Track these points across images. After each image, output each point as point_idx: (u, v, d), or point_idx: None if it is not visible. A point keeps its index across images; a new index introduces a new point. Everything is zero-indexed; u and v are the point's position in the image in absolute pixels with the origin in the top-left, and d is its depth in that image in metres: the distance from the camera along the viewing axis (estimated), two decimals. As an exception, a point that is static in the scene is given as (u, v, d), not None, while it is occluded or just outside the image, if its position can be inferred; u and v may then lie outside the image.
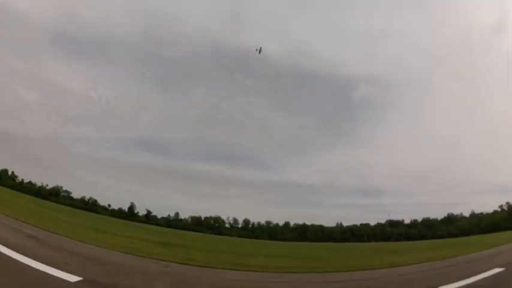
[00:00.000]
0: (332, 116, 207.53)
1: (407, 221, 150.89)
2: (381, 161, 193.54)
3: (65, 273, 6.55)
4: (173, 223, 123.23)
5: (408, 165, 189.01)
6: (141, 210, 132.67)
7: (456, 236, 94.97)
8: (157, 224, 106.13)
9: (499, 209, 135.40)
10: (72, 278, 6.30)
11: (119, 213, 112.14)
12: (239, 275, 9.67)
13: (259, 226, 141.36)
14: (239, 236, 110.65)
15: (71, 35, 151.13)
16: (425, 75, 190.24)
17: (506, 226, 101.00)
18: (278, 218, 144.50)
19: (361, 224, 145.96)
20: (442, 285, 7.55)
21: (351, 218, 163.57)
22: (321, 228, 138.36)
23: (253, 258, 18.82)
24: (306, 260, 20.32)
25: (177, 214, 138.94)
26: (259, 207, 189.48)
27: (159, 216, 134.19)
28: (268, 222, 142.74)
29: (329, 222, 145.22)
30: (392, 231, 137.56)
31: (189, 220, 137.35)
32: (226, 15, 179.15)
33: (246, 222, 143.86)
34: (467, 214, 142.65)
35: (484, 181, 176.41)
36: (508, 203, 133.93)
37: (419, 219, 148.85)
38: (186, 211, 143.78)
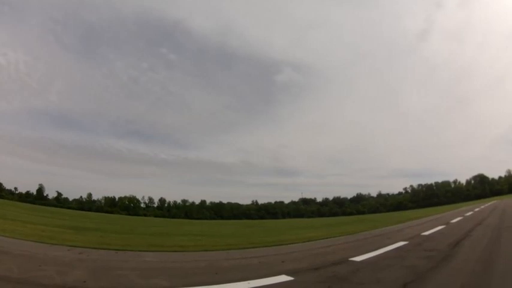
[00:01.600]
0: (254, 97, 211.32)
1: (319, 199, 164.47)
2: (297, 143, 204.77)
3: (-29, 270, 6.07)
4: (86, 205, 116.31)
5: (323, 148, 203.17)
6: (50, 193, 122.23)
7: (364, 213, 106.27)
8: (69, 207, 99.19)
9: (403, 191, 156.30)
10: (-20, 275, 5.83)
11: (26, 197, 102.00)
12: (157, 256, 9.62)
13: (176, 205, 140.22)
14: (155, 216, 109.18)
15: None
16: (348, 68, 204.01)
17: (409, 206, 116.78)
18: (195, 196, 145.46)
19: (275, 202, 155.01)
20: (353, 256, 8.19)
21: (266, 196, 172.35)
22: (237, 206, 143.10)
23: (170, 238, 19.08)
24: (223, 237, 21.09)
25: (89, 195, 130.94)
26: (176, 186, 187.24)
27: (70, 199, 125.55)
28: (184, 201, 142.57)
29: (245, 200, 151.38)
30: (306, 209, 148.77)
31: (103, 201, 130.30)
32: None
33: (162, 201, 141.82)
34: (374, 194, 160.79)
35: (391, 166, 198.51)
36: (411, 186, 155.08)
37: (331, 197, 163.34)
38: (100, 191, 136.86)
